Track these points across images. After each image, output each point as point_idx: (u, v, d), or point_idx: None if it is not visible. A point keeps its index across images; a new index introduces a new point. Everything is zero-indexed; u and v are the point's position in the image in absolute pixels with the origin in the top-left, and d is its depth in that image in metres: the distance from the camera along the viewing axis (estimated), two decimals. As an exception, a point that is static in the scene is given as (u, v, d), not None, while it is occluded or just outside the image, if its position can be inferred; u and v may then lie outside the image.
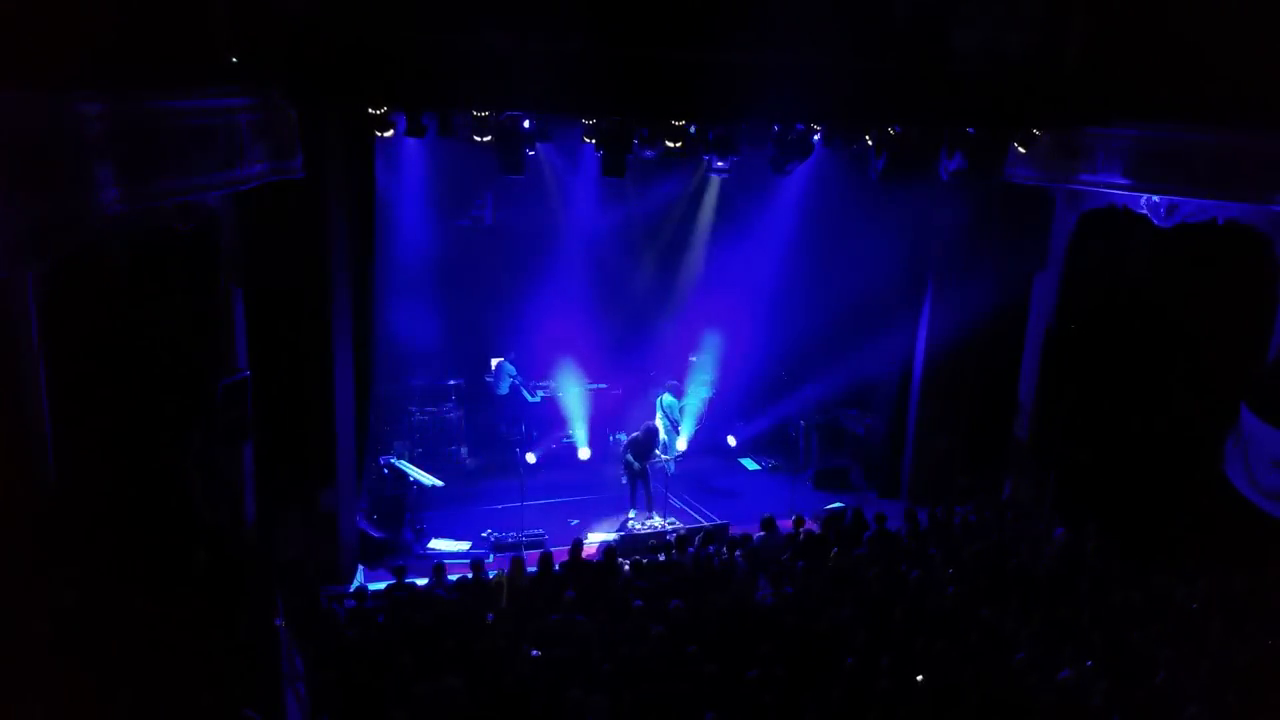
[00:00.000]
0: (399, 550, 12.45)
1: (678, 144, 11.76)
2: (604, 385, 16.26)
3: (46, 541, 7.28)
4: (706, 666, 8.12)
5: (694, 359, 16.49)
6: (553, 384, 15.93)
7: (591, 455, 15.61)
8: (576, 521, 13.55)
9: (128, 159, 7.79)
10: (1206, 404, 11.59)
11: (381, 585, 10.91)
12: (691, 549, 11.36)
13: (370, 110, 10.60)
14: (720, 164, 13.09)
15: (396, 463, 13.76)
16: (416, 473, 13.43)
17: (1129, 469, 12.64)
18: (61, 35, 7.26)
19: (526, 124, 11.45)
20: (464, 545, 12.84)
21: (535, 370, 15.89)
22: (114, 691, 6.36)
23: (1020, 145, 12.64)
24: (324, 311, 11.19)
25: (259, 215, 10.26)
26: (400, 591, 10.08)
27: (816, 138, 12.46)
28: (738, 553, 11.15)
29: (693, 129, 11.87)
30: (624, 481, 13.81)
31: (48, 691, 6.16)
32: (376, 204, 11.99)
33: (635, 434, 13.84)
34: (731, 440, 16.39)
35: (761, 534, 11.55)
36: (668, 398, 15.25)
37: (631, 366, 16.34)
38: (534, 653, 8.60)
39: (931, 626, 9.09)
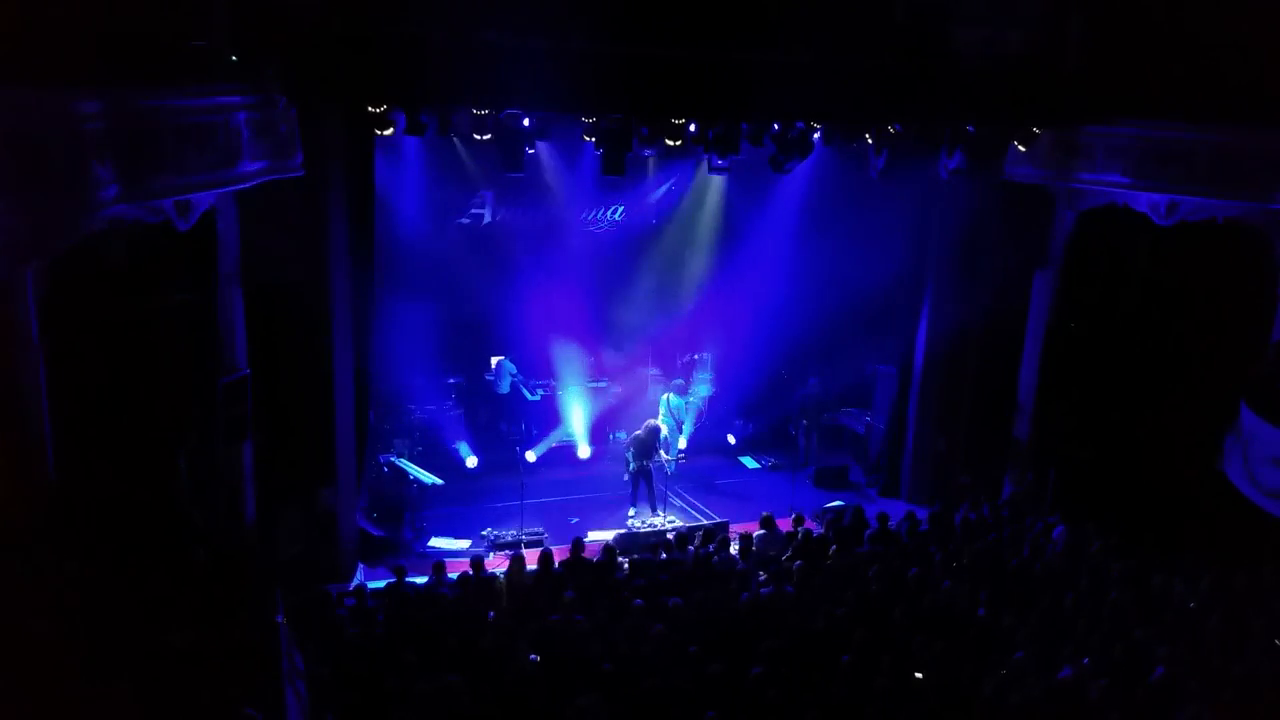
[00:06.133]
0: (399, 548, 12.46)
1: (677, 142, 11.75)
2: (604, 384, 16.26)
3: (47, 540, 7.28)
4: (708, 665, 8.12)
5: (695, 357, 16.49)
6: (553, 382, 15.94)
7: (591, 454, 15.62)
8: (576, 520, 13.56)
9: (127, 157, 7.79)
10: (1206, 402, 11.59)
11: (381, 584, 10.91)
12: (691, 547, 11.36)
13: (370, 108, 10.60)
14: (720, 162, 13.09)
15: (396, 461, 13.76)
16: (416, 471, 13.43)
17: (1129, 467, 12.66)
18: (61, 34, 7.25)
19: (526, 122, 11.45)
20: (464, 543, 12.84)
21: (535, 369, 15.89)
22: (114, 690, 6.36)
23: (1020, 144, 12.64)
24: (324, 310, 11.19)
25: (258, 213, 10.26)
26: (401, 589, 10.08)
27: (816, 136, 12.45)
28: (736, 551, 11.18)
29: (693, 127, 11.87)
30: (625, 479, 13.82)
31: (48, 691, 6.16)
32: (376, 202, 11.99)
33: (637, 432, 13.85)
34: (731, 438, 16.42)
35: (761, 532, 11.55)
36: (673, 398, 15.25)
37: (631, 365, 16.34)
38: (532, 657, 8.58)
39: (931, 625, 9.09)
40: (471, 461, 14.71)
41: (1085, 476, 13.10)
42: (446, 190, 14.73)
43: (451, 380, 15.47)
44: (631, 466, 13.67)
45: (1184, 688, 8.08)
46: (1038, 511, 12.59)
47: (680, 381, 15.65)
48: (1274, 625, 9.15)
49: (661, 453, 14.07)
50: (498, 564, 11.28)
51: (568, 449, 15.69)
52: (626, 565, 10.90)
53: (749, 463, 16.43)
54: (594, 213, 15.88)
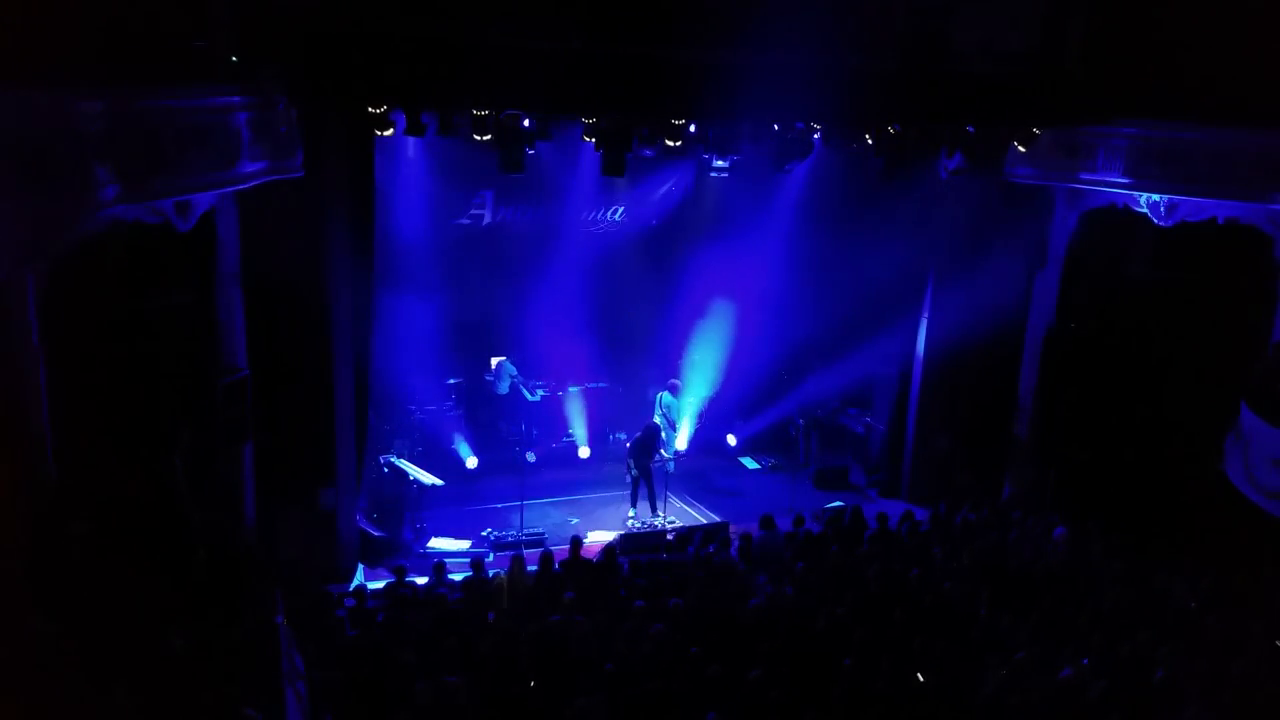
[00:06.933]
0: (399, 549, 12.45)
1: (677, 143, 11.75)
2: (604, 384, 16.26)
3: (47, 540, 7.28)
4: (708, 666, 8.12)
5: (693, 358, 16.50)
6: (552, 383, 15.94)
7: (591, 454, 15.63)
8: (576, 520, 13.55)
9: (127, 158, 7.79)
10: (1206, 403, 11.60)
11: (381, 584, 10.92)
12: (691, 548, 11.36)
13: (370, 109, 10.60)
14: (720, 163, 13.07)
15: (396, 461, 13.76)
16: (416, 471, 13.44)
17: (1129, 468, 12.65)
18: (61, 35, 7.26)
19: (526, 123, 11.44)
20: (464, 544, 12.84)
21: (535, 369, 15.88)
22: (114, 690, 6.36)
23: (1020, 144, 12.64)
24: (324, 310, 11.18)
25: (259, 214, 10.26)
26: (400, 590, 10.08)
27: (816, 137, 12.45)
28: (736, 551, 11.18)
29: (693, 128, 11.87)
30: (628, 480, 13.81)
31: (47, 691, 6.16)
32: (376, 202, 11.99)
33: (637, 434, 13.84)
34: (731, 439, 16.41)
35: (761, 533, 11.54)
36: (666, 396, 15.27)
37: (631, 365, 16.33)
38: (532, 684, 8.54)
39: (931, 626, 9.09)
40: (471, 462, 14.71)
41: (1085, 476, 13.10)
42: (446, 190, 14.72)
43: (451, 380, 15.45)
44: (633, 469, 13.66)
45: (1184, 688, 8.08)
46: (1038, 511, 12.58)
47: (674, 381, 15.64)
48: (1274, 626, 9.15)
49: (662, 451, 14.07)
50: (498, 565, 11.28)
51: (568, 449, 15.69)
52: (627, 566, 10.89)
53: (749, 463, 16.42)
54: (594, 213, 15.87)
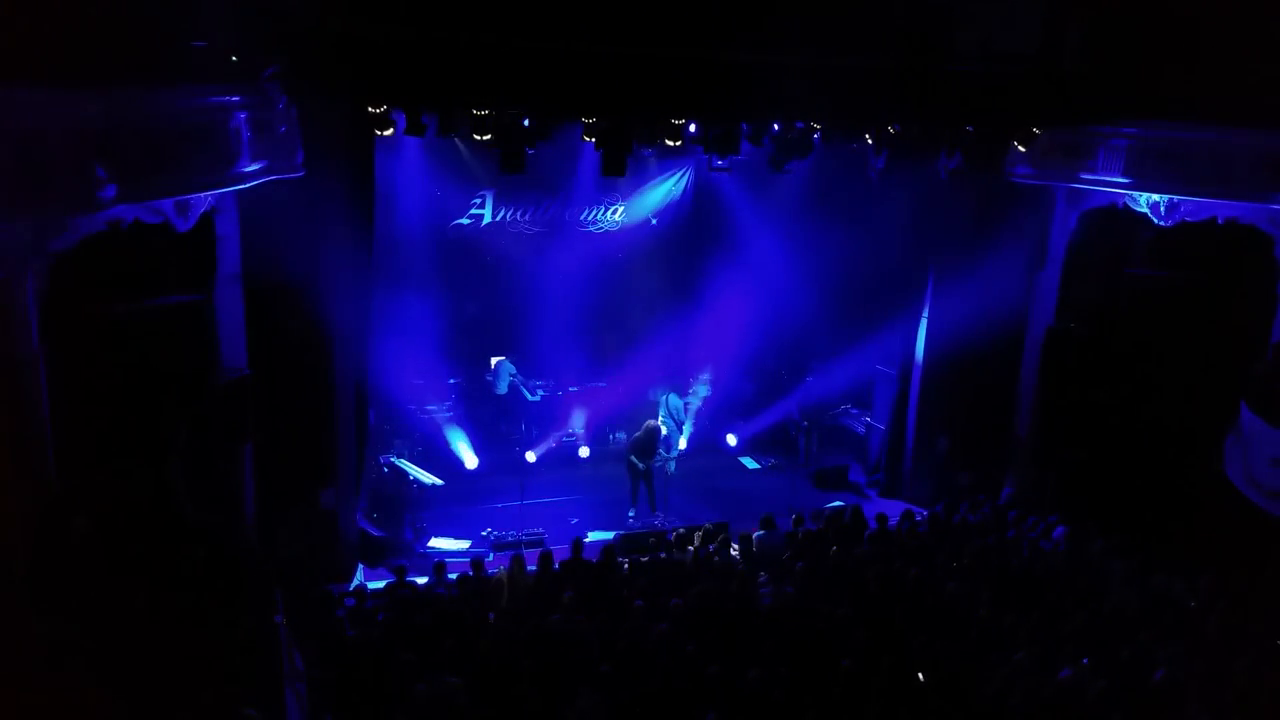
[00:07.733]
0: (399, 549, 12.45)
1: (677, 143, 11.76)
2: (604, 384, 16.26)
3: (47, 540, 7.28)
4: (707, 666, 8.12)
5: (694, 357, 16.50)
6: (552, 383, 15.94)
7: (591, 454, 15.62)
8: (576, 520, 13.55)
9: (127, 157, 7.80)
10: (1206, 403, 11.60)
11: (381, 584, 10.92)
12: (691, 548, 11.36)
13: (370, 109, 10.60)
14: (720, 162, 13.04)
15: (396, 461, 13.76)
16: (416, 471, 13.43)
17: (1129, 468, 12.65)
18: (61, 35, 7.26)
19: (526, 122, 11.44)
20: (464, 544, 12.84)
21: (535, 369, 15.89)
22: (114, 691, 6.36)
23: (1020, 144, 12.63)
24: (324, 310, 11.18)
25: (259, 214, 10.26)
26: (401, 590, 10.08)
27: (816, 136, 12.45)
28: (737, 551, 11.18)
29: (693, 128, 11.86)
30: (628, 480, 13.80)
31: (48, 691, 6.17)
32: (376, 202, 11.98)
33: (637, 433, 13.84)
34: (731, 439, 16.41)
35: (761, 533, 11.54)
36: (672, 397, 15.26)
37: (632, 366, 16.33)
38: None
39: (931, 625, 9.09)
40: (471, 462, 14.71)
41: (1086, 476, 13.10)
42: (446, 190, 14.74)
43: (451, 380, 15.46)
44: (636, 468, 13.65)
45: (1184, 688, 8.08)
46: (1038, 511, 12.58)
47: (678, 381, 15.63)
48: (1274, 625, 9.14)
49: (662, 452, 14.07)
50: (498, 565, 11.28)
51: (568, 449, 15.69)
52: (626, 565, 10.89)
53: (749, 463, 16.42)
54: (593, 213, 15.88)
